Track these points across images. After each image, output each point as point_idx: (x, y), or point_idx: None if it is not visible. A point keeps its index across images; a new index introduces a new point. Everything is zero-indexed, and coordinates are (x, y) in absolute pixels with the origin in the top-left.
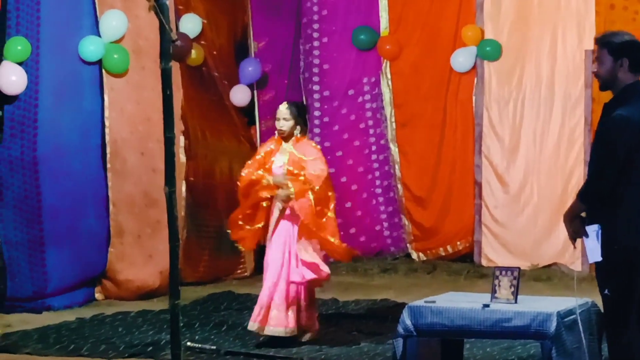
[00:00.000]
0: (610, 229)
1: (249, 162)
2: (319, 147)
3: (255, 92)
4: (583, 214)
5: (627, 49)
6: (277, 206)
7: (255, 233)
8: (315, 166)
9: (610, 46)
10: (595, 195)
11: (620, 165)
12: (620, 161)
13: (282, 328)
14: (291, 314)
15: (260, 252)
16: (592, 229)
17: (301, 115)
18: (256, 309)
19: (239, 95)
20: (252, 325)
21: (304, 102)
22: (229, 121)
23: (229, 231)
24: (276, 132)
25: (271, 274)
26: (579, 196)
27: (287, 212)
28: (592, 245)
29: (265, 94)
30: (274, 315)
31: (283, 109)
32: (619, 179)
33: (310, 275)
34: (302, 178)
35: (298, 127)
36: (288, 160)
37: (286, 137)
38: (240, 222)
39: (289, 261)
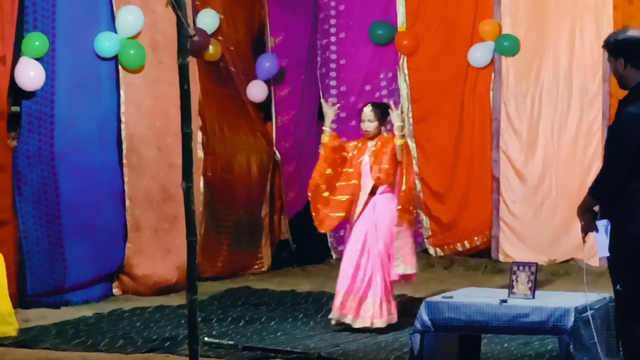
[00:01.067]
0: (621, 224)
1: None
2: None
3: (271, 87)
4: (596, 208)
5: (622, 47)
6: (361, 199)
7: (336, 218)
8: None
9: (608, 47)
10: (605, 191)
11: (630, 162)
12: (630, 158)
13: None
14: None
15: (278, 248)
16: (602, 224)
17: (385, 116)
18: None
19: (256, 90)
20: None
21: (384, 103)
22: (246, 116)
23: (309, 195)
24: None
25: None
26: (589, 191)
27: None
28: (601, 239)
29: (281, 89)
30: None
31: (367, 111)
32: (630, 175)
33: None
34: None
35: (382, 128)
36: (372, 154)
37: (371, 137)
38: (321, 201)
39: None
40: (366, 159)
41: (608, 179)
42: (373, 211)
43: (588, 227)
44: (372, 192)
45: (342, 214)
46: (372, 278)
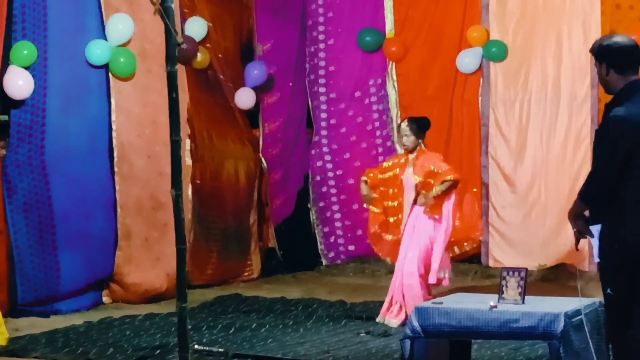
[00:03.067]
0: (612, 229)
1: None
2: (439, 154)
3: (259, 94)
4: (586, 213)
5: (606, 53)
6: (406, 211)
7: (396, 242)
8: (442, 165)
9: (593, 53)
10: (594, 195)
11: (619, 165)
12: (619, 161)
13: None
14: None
15: (267, 255)
16: (597, 229)
17: (421, 129)
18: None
19: (244, 97)
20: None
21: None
22: (234, 124)
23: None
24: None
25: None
26: (579, 196)
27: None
28: (597, 244)
29: (270, 97)
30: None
31: (404, 126)
32: (620, 178)
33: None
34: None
35: (420, 141)
36: (413, 170)
37: (411, 150)
38: (379, 232)
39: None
40: (409, 171)
41: (597, 183)
42: (416, 219)
43: (583, 232)
44: (414, 201)
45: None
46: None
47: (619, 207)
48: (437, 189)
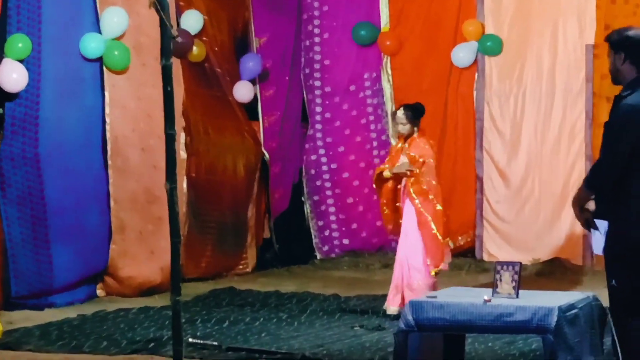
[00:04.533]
0: (617, 221)
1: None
2: (429, 141)
3: (258, 87)
4: (592, 207)
5: (625, 43)
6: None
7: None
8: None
9: (611, 42)
10: (600, 183)
11: (627, 154)
12: (627, 151)
13: None
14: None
15: (262, 248)
16: (602, 224)
17: (417, 116)
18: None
19: (242, 91)
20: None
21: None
22: (233, 117)
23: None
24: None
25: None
26: (585, 183)
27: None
28: (598, 237)
29: (267, 90)
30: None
31: (400, 114)
32: (627, 173)
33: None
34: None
35: (415, 129)
36: (406, 155)
37: (406, 138)
38: (385, 210)
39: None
40: (402, 159)
41: (604, 172)
42: (408, 207)
43: (589, 224)
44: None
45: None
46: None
47: (626, 205)
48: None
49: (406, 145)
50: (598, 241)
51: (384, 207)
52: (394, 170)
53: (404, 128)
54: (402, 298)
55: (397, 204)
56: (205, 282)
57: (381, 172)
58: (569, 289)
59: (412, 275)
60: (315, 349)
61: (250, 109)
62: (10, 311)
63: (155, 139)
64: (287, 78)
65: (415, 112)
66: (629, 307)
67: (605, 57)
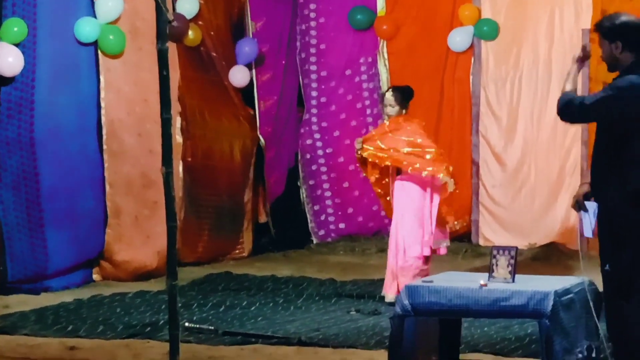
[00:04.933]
0: (613, 203)
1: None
2: (422, 123)
3: (254, 72)
4: (583, 190)
5: (620, 30)
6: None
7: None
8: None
9: (603, 30)
10: (568, 114)
11: (608, 117)
12: (612, 114)
13: None
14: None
15: (258, 232)
16: (591, 206)
17: (406, 99)
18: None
19: (238, 75)
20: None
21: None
22: (229, 101)
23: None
24: (385, 116)
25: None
26: (559, 105)
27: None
28: (587, 220)
29: (263, 74)
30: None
31: (389, 96)
32: (620, 151)
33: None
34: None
35: (404, 111)
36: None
37: (394, 120)
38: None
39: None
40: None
41: (583, 110)
42: (399, 191)
43: (579, 207)
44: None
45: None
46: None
47: (619, 182)
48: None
49: (392, 127)
50: (587, 224)
51: (382, 197)
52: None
53: (393, 110)
54: (398, 285)
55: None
56: (202, 266)
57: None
58: (564, 273)
59: (407, 259)
60: (311, 334)
61: (246, 93)
62: (6, 295)
63: (151, 124)
64: (283, 62)
65: (404, 94)
66: (622, 292)
67: None
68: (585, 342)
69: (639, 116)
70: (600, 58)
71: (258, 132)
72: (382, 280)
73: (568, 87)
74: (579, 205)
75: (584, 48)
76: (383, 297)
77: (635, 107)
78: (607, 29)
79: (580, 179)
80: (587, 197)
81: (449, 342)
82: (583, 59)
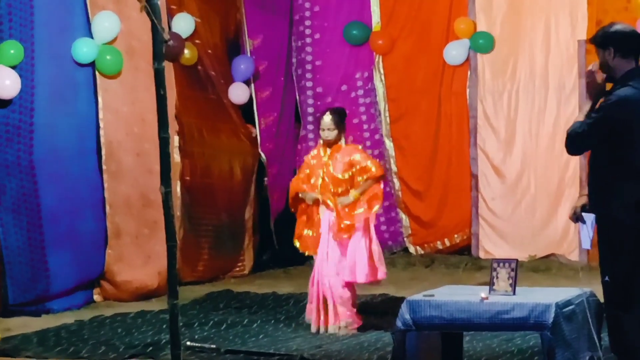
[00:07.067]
0: (612, 214)
1: (300, 171)
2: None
3: (253, 89)
4: (585, 201)
5: (611, 38)
6: (322, 210)
7: (317, 238)
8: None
9: (596, 40)
10: (572, 145)
11: (603, 136)
12: (605, 133)
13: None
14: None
15: (259, 250)
16: (589, 217)
17: (343, 121)
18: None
19: (238, 92)
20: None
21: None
22: (228, 119)
23: (296, 243)
24: (320, 140)
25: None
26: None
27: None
28: (585, 232)
29: (263, 91)
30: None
31: (327, 120)
32: (614, 163)
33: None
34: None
35: (342, 135)
36: (334, 166)
37: (330, 145)
38: (304, 231)
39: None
40: (330, 168)
41: (580, 139)
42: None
43: (576, 218)
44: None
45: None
46: (330, 283)
47: (617, 193)
48: (354, 193)
49: (335, 155)
50: (585, 236)
51: (308, 230)
52: (345, 202)
53: (331, 134)
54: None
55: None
56: (202, 285)
57: (297, 194)
58: (565, 285)
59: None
60: (314, 350)
61: (246, 110)
62: (8, 318)
63: (150, 143)
64: (282, 79)
65: (342, 116)
66: (622, 303)
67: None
68: (587, 353)
69: (632, 129)
70: (600, 70)
71: (259, 149)
72: (383, 295)
73: (579, 118)
74: (576, 216)
75: (588, 73)
76: (386, 313)
77: (628, 121)
78: (600, 37)
79: (579, 190)
80: (584, 208)
81: (452, 355)
82: (590, 84)
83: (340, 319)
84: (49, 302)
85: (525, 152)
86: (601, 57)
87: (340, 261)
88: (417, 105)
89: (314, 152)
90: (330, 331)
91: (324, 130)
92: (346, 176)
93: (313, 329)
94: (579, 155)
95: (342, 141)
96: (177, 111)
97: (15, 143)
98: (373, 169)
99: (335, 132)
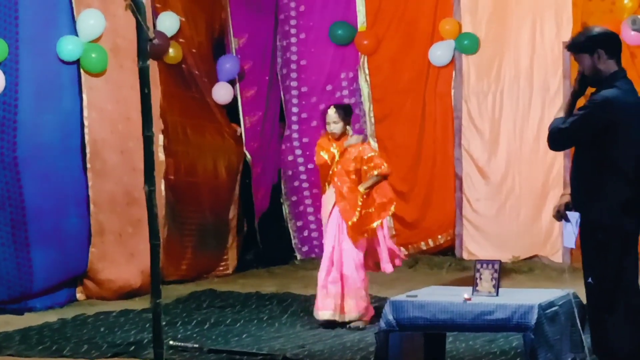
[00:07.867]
0: (594, 215)
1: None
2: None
3: (238, 88)
4: (568, 199)
5: (598, 41)
6: (327, 199)
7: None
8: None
9: (580, 46)
10: (556, 142)
11: (586, 135)
12: (589, 131)
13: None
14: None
15: (243, 250)
16: (573, 216)
17: (349, 116)
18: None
19: (222, 92)
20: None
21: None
22: (212, 118)
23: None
24: (323, 132)
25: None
26: (549, 136)
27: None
28: (570, 230)
29: (247, 90)
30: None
31: (332, 113)
32: (598, 163)
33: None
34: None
35: (348, 127)
36: (341, 158)
37: (337, 138)
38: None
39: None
40: (339, 160)
41: (562, 136)
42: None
43: (560, 216)
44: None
45: None
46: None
47: (600, 194)
48: (362, 188)
49: (350, 150)
50: (569, 234)
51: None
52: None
53: (337, 127)
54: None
55: None
56: (186, 284)
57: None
58: (548, 286)
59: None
60: (297, 350)
61: (231, 109)
62: None
63: (134, 141)
64: (267, 78)
65: (347, 111)
66: (605, 304)
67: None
68: (570, 354)
69: (617, 130)
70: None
71: (244, 148)
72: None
73: (559, 114)
74: (560, 214)
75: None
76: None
77: (613, 122)
78: (584, 42)
79: (563, 190)
80: (568, 207)
81: (434, 356)
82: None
83: (357, 310)
84: (32, 300)
85: (509, 153)
86: (587, 62)
87: (357, 254)
88: (401, 106)
89: (322, 142)
90: (346, 319)
91: (329, 123)
92: (351, 168)
93: (326, 315)
94: (562, 152)
95: (350, 134)
96: (162, 110)
97: None
98: (383, 166)
99: (341, 124)
